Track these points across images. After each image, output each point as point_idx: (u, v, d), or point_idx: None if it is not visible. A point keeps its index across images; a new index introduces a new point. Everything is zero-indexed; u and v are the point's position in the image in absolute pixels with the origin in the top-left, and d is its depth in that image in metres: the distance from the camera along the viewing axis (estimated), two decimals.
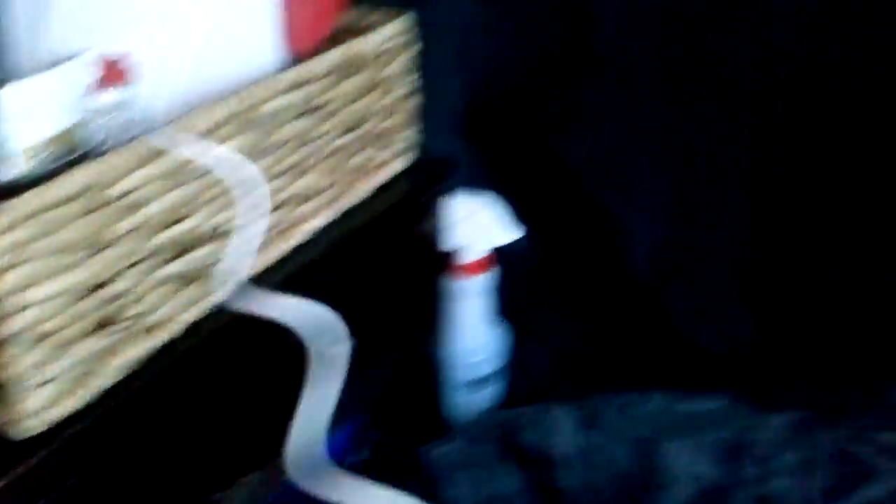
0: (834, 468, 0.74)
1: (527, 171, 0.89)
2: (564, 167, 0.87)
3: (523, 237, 0.87)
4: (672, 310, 0.88)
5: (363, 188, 0.73)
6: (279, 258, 0.64)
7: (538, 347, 0.97)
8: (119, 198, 0.50)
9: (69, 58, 0.54)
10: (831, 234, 0.82)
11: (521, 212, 0.87)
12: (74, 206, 0.47)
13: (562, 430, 0.83)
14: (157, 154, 0.52)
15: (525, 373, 0.97)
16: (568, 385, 0.91)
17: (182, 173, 0.54)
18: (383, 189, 0.75)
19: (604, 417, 0.83)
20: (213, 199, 0.57)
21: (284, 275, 0.64)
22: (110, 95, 0.55)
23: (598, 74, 0.83)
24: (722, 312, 0.87)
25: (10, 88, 0.45)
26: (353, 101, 0.69)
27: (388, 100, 0.73)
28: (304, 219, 0.67)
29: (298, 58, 0.65)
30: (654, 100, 0.83)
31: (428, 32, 0.76)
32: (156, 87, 0.58)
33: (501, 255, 0.88)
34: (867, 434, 0.75)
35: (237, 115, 0.57)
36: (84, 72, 0.53)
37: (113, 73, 0.55)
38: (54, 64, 0.55)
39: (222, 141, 0.56)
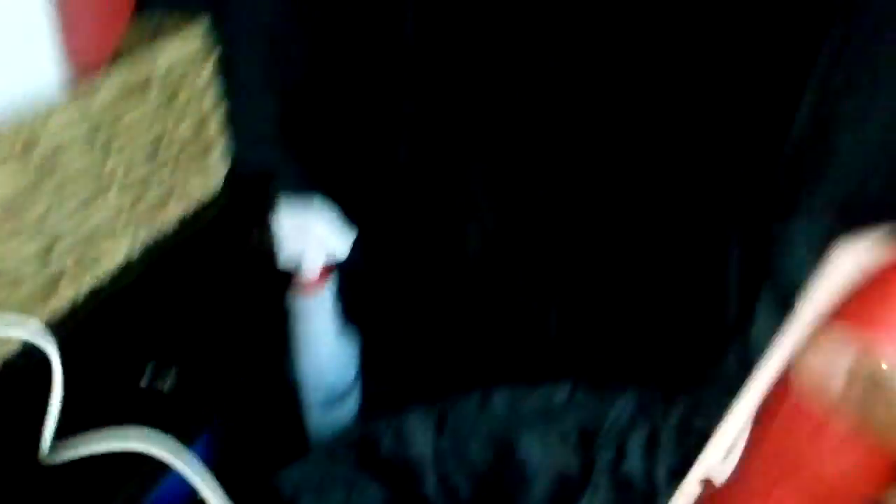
0: (678, 444, 0.76)
1: (351, 174, 0.86)
2: (389, 167, 0.85)
3: (356, 242, 0.84)
4: (500, 304, 0.88)
5: (174, 214, 0.67)
6: (75, 301, 0.59)
7: (387, 353, 0.95)
8: None
9: None
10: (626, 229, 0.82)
11: (351, 216, 0.84)
12: None
13: (417, 436, 0.82)
14: None
15: (378, 381, 0.95)
16: (422, 388, 0.89)
17: None
18: (196, 214, 0.70)
19: (458, 418, 0.82)
20: None
21: (87, 314, 0.59)
22: None
23: (414, 69, 0.81)
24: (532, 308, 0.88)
25: None
26: (150, 123, 0.64)
27: (190, 118, 0.68)
28: (103, 255, 0.61)
29: (80, 81, 0.60)
30: (473, 93, 0.81)
31: (229, 38, 0.71)
32: None
33: (338, 263, 0.85)
34: (705, 408, 0.77)
35: (10, 147, 0.51)
36: None
37: None
38: None
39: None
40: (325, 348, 0.88)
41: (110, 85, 0.59)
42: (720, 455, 0.33)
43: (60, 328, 0.57)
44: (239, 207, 0.74)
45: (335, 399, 0.90)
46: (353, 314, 0.91)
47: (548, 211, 0.82)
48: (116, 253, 0.62)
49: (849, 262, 0.30)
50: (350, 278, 0.89)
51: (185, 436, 0.73)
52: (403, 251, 0.89)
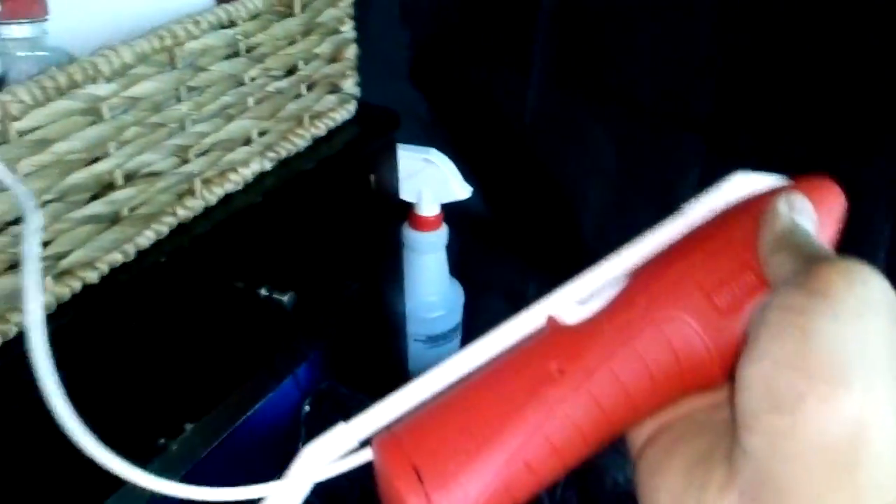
0: None
1: (475, 128, 0.88)
2: (513, 125, 0.85)
3: (473, 193, 0.86)
4: None
5: (303, 136, 0.71)
6: (207, 206, 0.63)
7: (493, 304, 0.96)
8: (25, 133, 0.48)
9: None
10: None
11: (470, 167, 0.86)
12: None
13: None
14: (69, 88, 0.50)
15: (481, 330, 0.96)
16: None
17: (96, 111, 0.52)
18: (326, 137, 0.73)
19: None
20: (132, 139, 0.55)
21: (214, 222, 0.63)
22: (17, 30, 0.53)
23: (549, 29, 0.82)
24: None
25: None
26: (287, 44, 0.67)
27: (326, 45, 0.71)
28: (236, 165, 0.65)
29: None
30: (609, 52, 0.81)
31: None
32: (67, 22, 0.56)
33: (452, 211, 0.87)
34: None
35: (156, 52, 0.55)
36: None
37: (19, 5, 0.54)
38: None
39: (140, 80, 0.55)
40: (433, 286, 0.90)
41: (250, 3, 0.62)
42: (578, 297, 0.32)
43: (193, 226, 0.61)
44: (366, 137, 0.77)
45: (437, 338, 0.92)
46: (464, 266, 0.93)
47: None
48: (251, 163, 0.66)
49: (743, 183, 0.33)
50: (464, 231, 0.90)
51: (298, 350, 0.77)
52: (521, 212, 0.89)
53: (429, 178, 0.85)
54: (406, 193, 0.85)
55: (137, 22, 0.57)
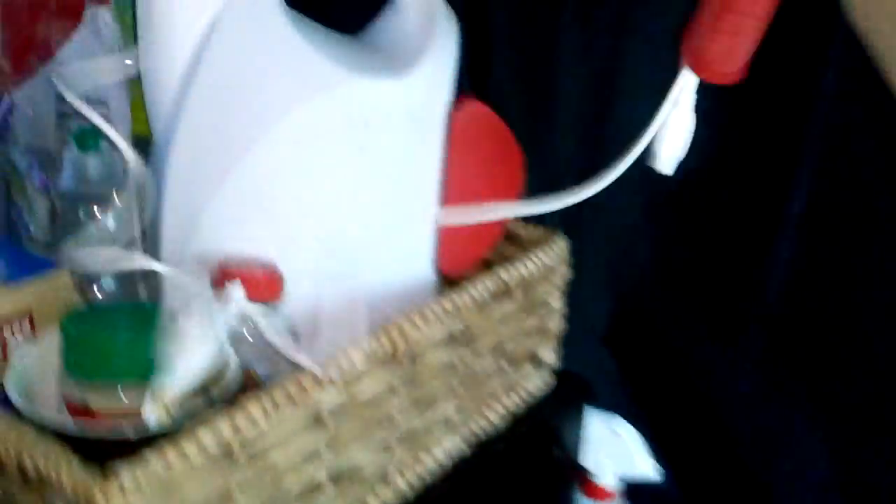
0: None
1: (670, 404, 0.83)
2: (712, 408, 0.80)
3: (659, 473, 0.80)
4: None
5: (498, 410, 0.68)
6: (398, 491, 0.60)
7: None
8: (246, 444, 0.46)
9: (213, 261, 0.53)
10: None
11: (659, 443, 0.81)
12: (200, 462, 0.44)
13: None
14: (298, 399, 0.48)
15: None
16: None
17: (318, 418, 0.50)
18: (522, 409, 0.70)
19: None
20: (345, 441, 0.53)
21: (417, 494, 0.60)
22: (253, 311, 0.53)
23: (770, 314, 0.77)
24: None
25: (169, 327, 0.43)
26: (501, 324, 0.65)
27: (534, 320, 0.69)
28: (431, 446, 0.62)
29: (450, 280, 0.63)
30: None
31: (579, 255, 0.72)
32: (303, 305, 0.56)
33: (634, 489, 0.81)
34: None
35: (385, 353, 0.54)
36: (232, 296, 0.50)
37: (257, 289, 0.53)
38: (200, 264, 0.53)
39: (363, 381, 0.53)
40: None
41: (476, 291, 0.61)
42: None
43: None
44: (557, 406, 0.74)
45: None
46: None
47: None
48: (449, 444, 0.63)
49: None
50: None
51: None
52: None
53: (612, 449, 0.80)
54: (585, 459, 0.81)
55: (366, 303, 0.57)
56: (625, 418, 0.81)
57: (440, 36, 0.62)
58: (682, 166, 0.60)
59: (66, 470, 0.40)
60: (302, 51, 0.56)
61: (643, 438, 0.81)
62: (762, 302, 0.77)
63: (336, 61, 0.57)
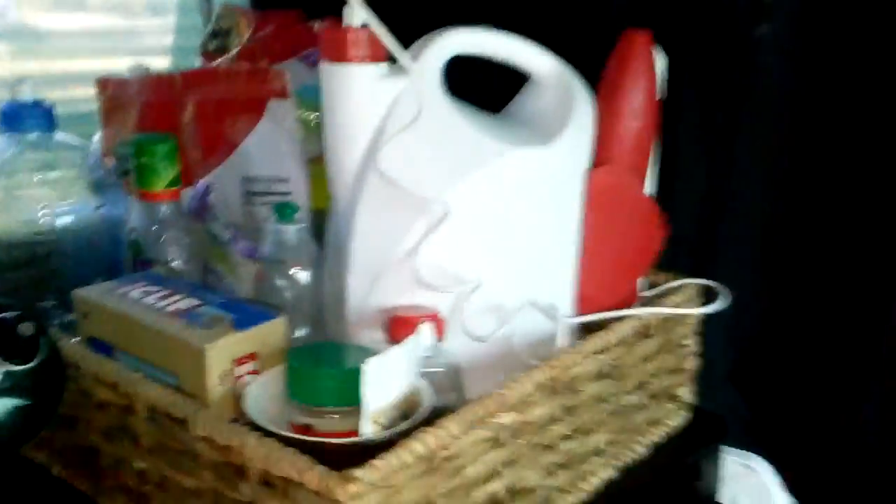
0: None
1: (802, 439, 0.87)
2: (845, 441, 0.84)
3: None
4: None
5: (643, 443, 0.74)
6: None
7: None
8: (448, 460, 0.54)
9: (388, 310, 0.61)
10: None
11: (795, 479, 0.85)
12: (413, 471, 0.51)
13: None
14: (482, 419, 0.56)
15: None
16: None
17: (497, 437, 0.58)
18: (661, 445, 0.76)
19: None
20: (518, 460, 0.60)
21: None
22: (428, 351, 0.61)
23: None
24: None
25: (373, 362, 0.52)
26: (643, 362, 0.72)
27: (672, 360, 0.76)
28: (586, 475, 0.69)
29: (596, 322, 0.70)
30: None
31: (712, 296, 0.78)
32: (461, 346, 0.63)
33: None
34: None
35: (549, 381, 0.61)
36: (423, 338, 0.59)
37: (438, 330, 0.62)
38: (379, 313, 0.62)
39: (533, 407, 0.60)
40: None
41: (622, 329, 0.68)
42: None
43: None
44: (695, 444, 0.79)
45: None
46: None
47: None
48: (599, 472, 0.69)
49: None
50: None
51: None
52: None
53: (748, 486, 0.85)
54: (722, 497, 0.85)
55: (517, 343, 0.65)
56: (759, 455, 0.85)
57: (578, 107, 0.71)
58: None
59: (313, 474, 0.48)
60: (464, 128, 0.65)
61: (778, 474, 0.85)
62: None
63: (494, 137, 0.66)
